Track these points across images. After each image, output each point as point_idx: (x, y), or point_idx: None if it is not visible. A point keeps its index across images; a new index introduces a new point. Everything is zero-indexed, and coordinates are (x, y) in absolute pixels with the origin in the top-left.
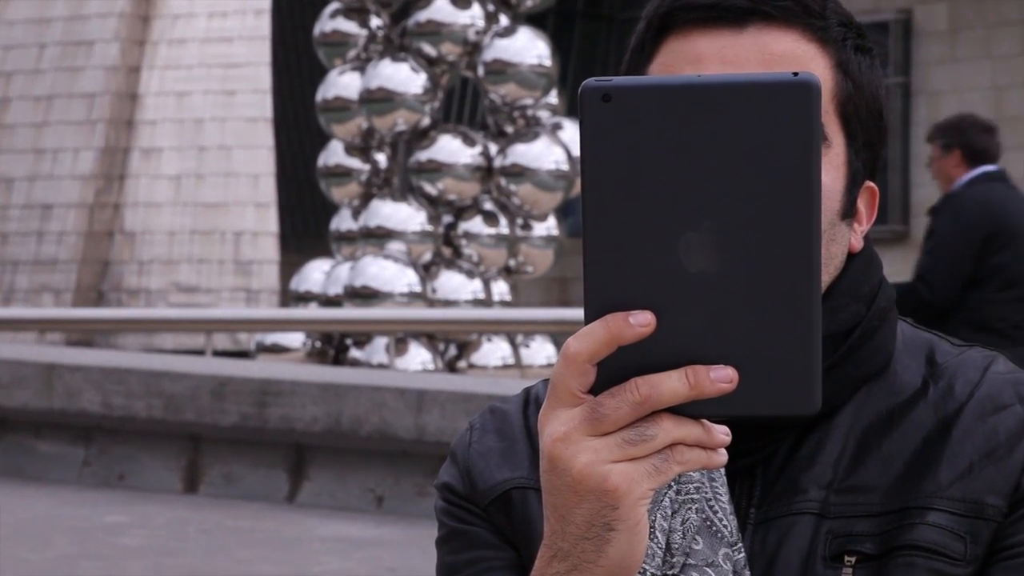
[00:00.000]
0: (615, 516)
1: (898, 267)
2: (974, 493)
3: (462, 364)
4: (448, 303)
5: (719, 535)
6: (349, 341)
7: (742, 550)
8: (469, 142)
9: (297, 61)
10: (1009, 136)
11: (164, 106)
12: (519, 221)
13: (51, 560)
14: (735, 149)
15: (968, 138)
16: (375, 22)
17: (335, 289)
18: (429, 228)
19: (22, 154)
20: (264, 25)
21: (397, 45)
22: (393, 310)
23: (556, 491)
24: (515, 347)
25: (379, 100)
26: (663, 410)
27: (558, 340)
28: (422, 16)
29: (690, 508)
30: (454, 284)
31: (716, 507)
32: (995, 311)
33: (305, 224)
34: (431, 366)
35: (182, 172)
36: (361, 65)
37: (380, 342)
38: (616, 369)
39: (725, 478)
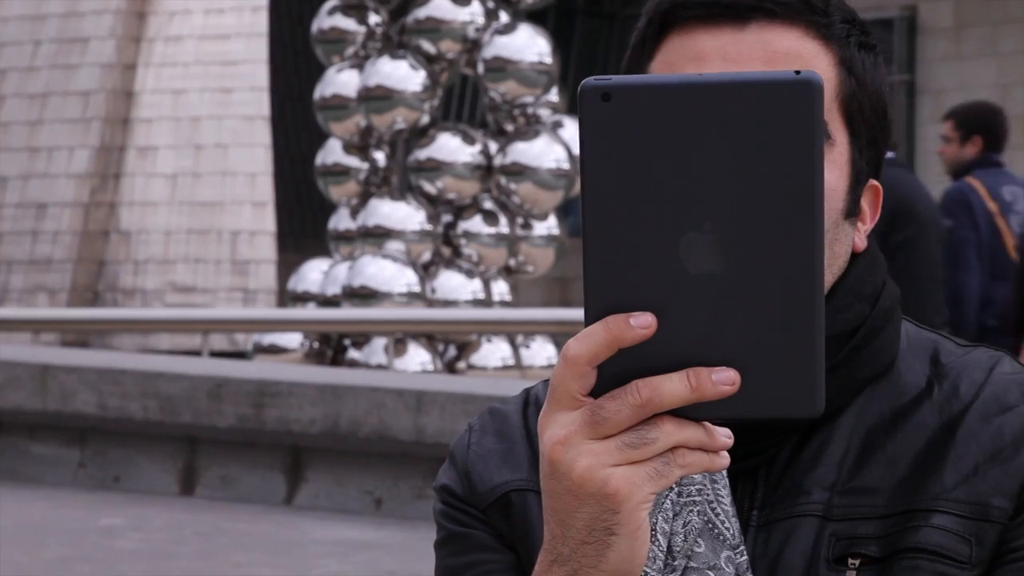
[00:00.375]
0: (616, 520)
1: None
2: (979, 495)
3: (462, 365)
4: (448, 303)
5: (721, 537)
6: (347, 342)
7: (744, 552)
8: (469, 140)
9: (295, 58)
10: (1015, 134)
11: (160, 104)
12: (519, 220)
13: (46, 563)
14: (736, 149)
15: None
16: (374, 19)
17: (333, 289)
18: (428, 227)
19: (16, 152)
20: (261, 22)
21: (396, 42)
22: (392, 310)
23: (556, 495)
24: (515, 348)
25: (378, 98)
26: (664, 413)
27: (559, 341)
28: (421, 13)
29: (692, 510)
30: (454, 284)
31: (718, 509)
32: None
33: (303, 223)
34: (430, 367)
35: (178, 171)
36: (359, 62)
37: (379, 343)
38: (617, 371)
39: (727, 480)
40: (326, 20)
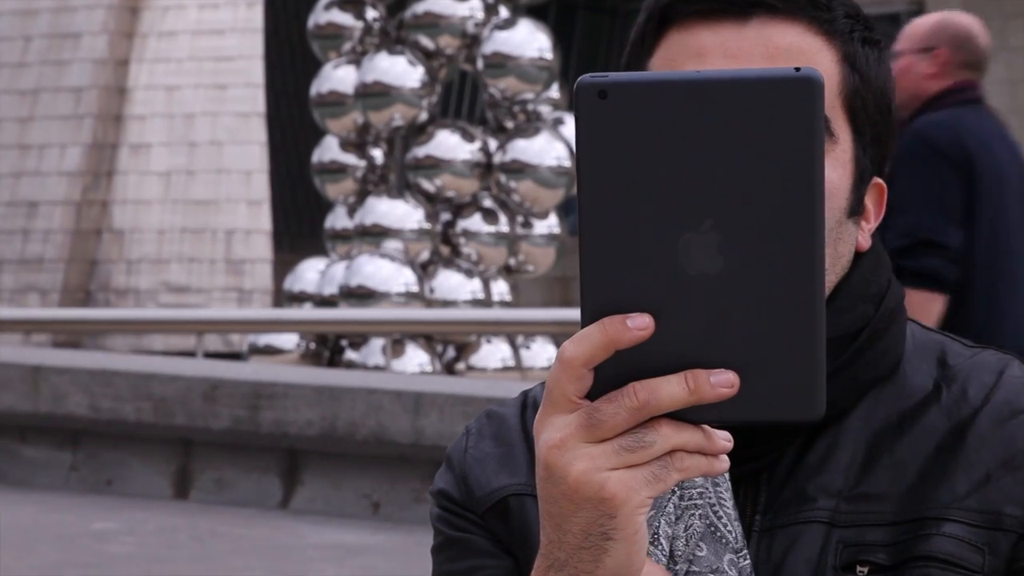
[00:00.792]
0: (613, 525)
1: None
2: (992, 503)
3: (461, 366)
4: (446, 303)
5: (723, 541)
6: (344, 342)
7: (747, 556)
8: (468, 137)
9: (291, 54)
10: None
11: (153, 100)
12: (519, 219)
13: (37, 568)
14: (735, 147)
15: None
16: (371, 14)
17: (330, 289)
18: (427, 226)
19: (7, 150)
20: (257, 17)
21: (394, 38)
22: (390, 310)
23: (552, 499)
24: (515, 349)
25: (375, 94)
26: (662, 416)
27: (559, 341)
28: (419, 8)
29: (693, 514)
30: (452, 284)
31: (720, 512)
32: None
33: (299, 222)
34: (429, 368)
35: (172, 168)
36: (357, 58)
37: (376, 343)
38: (613, 374)
39: (729, 483)
40: (323, 15)
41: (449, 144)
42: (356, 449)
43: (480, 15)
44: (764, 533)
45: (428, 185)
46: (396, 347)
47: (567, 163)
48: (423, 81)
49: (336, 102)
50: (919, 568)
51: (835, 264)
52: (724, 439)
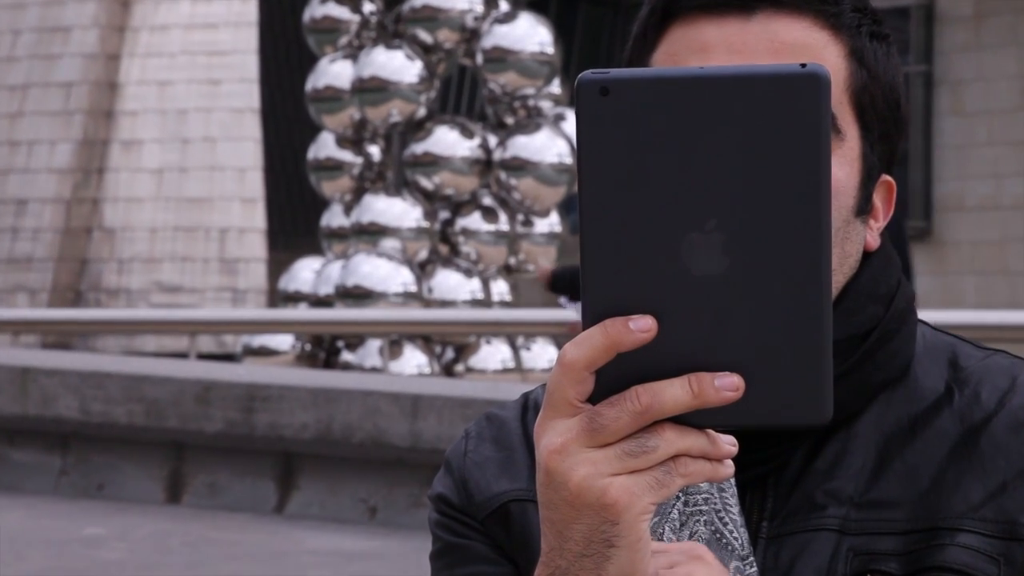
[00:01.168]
0: (615, 532)
1: (921, 266)
2: (1008, 513)
3: (460, 368)
4: (445, 303)
5: (729, 548)
6: (341, 344)
7: (754, 564)
8: (467, 134)
9: (286, 48)
10: None
11: (145, 96)
12: (520, 217)
13: (26, 575)
14: (740, 145)
15: None
16: (368, 7)
17: (326, 289)
18: (425, 224)
19: None
20: (251, 11)
21: (391, 32)
22: (387, 311)
23: (553, 505)
24: (516, 350)
25: (372, 90)
26: (665, 420)
27: (560, 343)
28: (417, 1)
29: (698, 520)
30: (451, 283)
31: (726, 519)
32: None
33: (294, 220)
34: (427, 370)
35: (164, 165)
36: (353, 53)
37: (373, 345)
38: (616, 377)
39: (735, 489)
40: (318, 8)
41: (448, 141)
42: (353, 453)
43: (479, 8)
44: (771, 540)
45: (426, 182)
46: (393, 348)
47: (568, 160)
48: (421, 76)
49: (332, 97)
50: None
51: (843, 264)
52: (729, 444)
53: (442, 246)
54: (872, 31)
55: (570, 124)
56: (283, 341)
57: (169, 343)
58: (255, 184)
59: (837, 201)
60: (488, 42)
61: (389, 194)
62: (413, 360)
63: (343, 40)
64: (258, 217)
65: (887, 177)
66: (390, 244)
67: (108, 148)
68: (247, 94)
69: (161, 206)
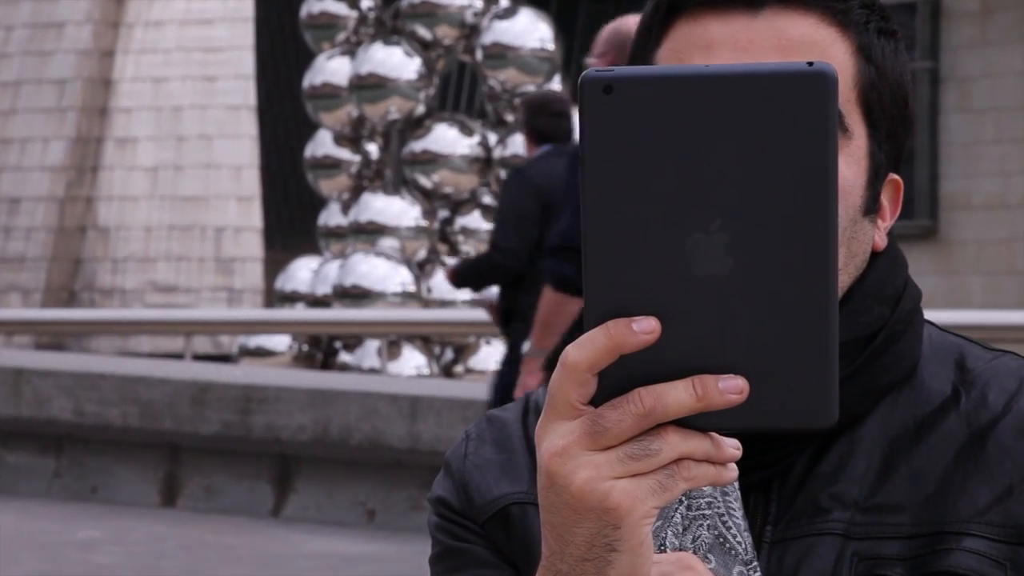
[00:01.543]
0: (617, 536)
1: (926, 265)
2: (1015, 517)
3: (459, 369)
4: (444, 304)
5: (733, 552)
6: (338, 344)
7: (758, 568)
8: (466, 131)
9: (282, 45)
10: None
11: (140, 93)
12: None
13: None
14: (746, 144)
15: (534, 121)
16: (366, 3)
17: (323, 289)
18: (424, 223)
19: None
20: (247, 6)
21: (390, 28)
22: (385, 311)
23: (554, 509)
24: None
25: (370, 87)
26: (668, 423)
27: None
28: None
29: (701, 525)
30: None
31: (729, 523)
32: None
33: (291, 219)
34: (426, 371)
35: (159, 163)
36: (351, 49)
37: (371, 345)
38: (618, 379)
39: (739, 492)
40: (316, 4)
41: (447, 138)
42: (350, 455)
43: (479, 4)
44: (775, 545)
45: (425, 181)
46: (392, 349)
47: None
48: (420, 73)
49: (330, 95)
50: None
51: (849, 264)
52: (733, 447)
53: (441, 245)
54: (880, 27)
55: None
56: (280, 342)
57: (164, 344)
58: (251, 182)
59: (844, 200)
60: (488, 38)
61: (387, 193)
62: (412, 361)
63: (341, 36)
64: (254, 216)
65: (894, 176)
66: (388, 243)
67: (102, 146)
68: (243, 91)
69: (156, 205)
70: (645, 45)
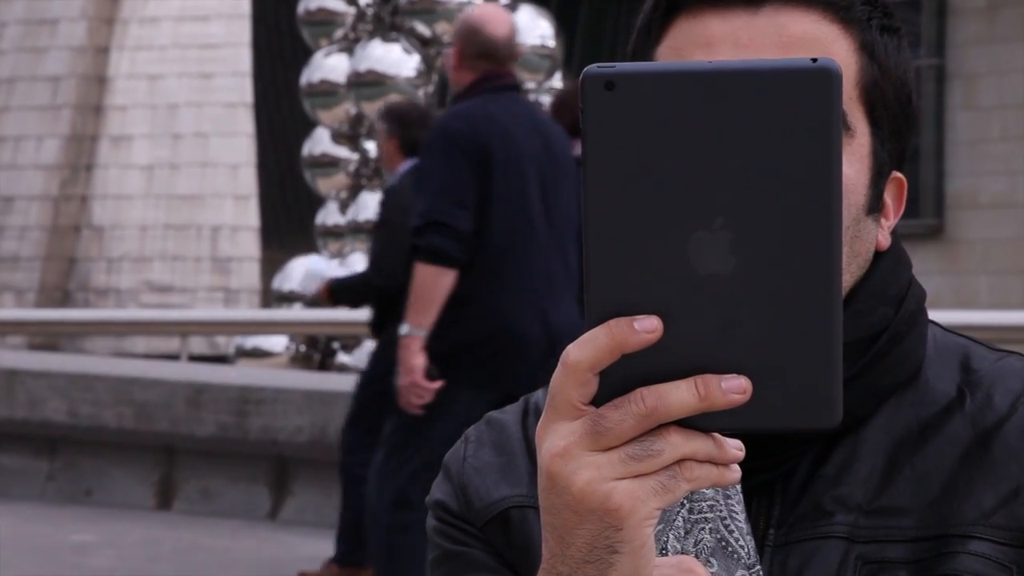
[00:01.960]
0: (619, 538)
1: (932, 265)
2: (1021, 520)
3: None
4: None
5: (735, 556)
6: (336, 345)
7: (760, 573)
8: None
9: (279, 41)
10: None
11: (135, 90)
12: None
13: None
14: (749, 142)
15: (404, 131)
16: None
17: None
18: None
19: None
20: (243, 3)
21: (388, 24)
22: None
23: (555, 511)
24: None
25: (368, 84)
26: (671, 423)
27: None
28: None
29: (703, 528)
30: None
31: (732, 526)
32: None
33: (288, 218)
34: None
35: (155, 162)
36: (349, 46)
37: (370, 346)
38: (620, 379)
39: (741, 495)
40: (313, 1)
41: None
42: None
43: (478, 0)
44: (778, 548)
45: None
46: None
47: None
48: (419, 70)
49: (327, 92)
50: None
51: (852, 263)
52: (736, 448)
53: None
54: (883, 24)
55: None
56: (277, 342)
57: (160, 344)
58: (248, 181)
59: (847, 199)
60: None
61: None
62: None
63: (338, 33)
64: (251, 215)
65: (898, 174)
66: None
67: (97, 144)
68: (240, 88)
69: (151, 203)
70: (645, 43)
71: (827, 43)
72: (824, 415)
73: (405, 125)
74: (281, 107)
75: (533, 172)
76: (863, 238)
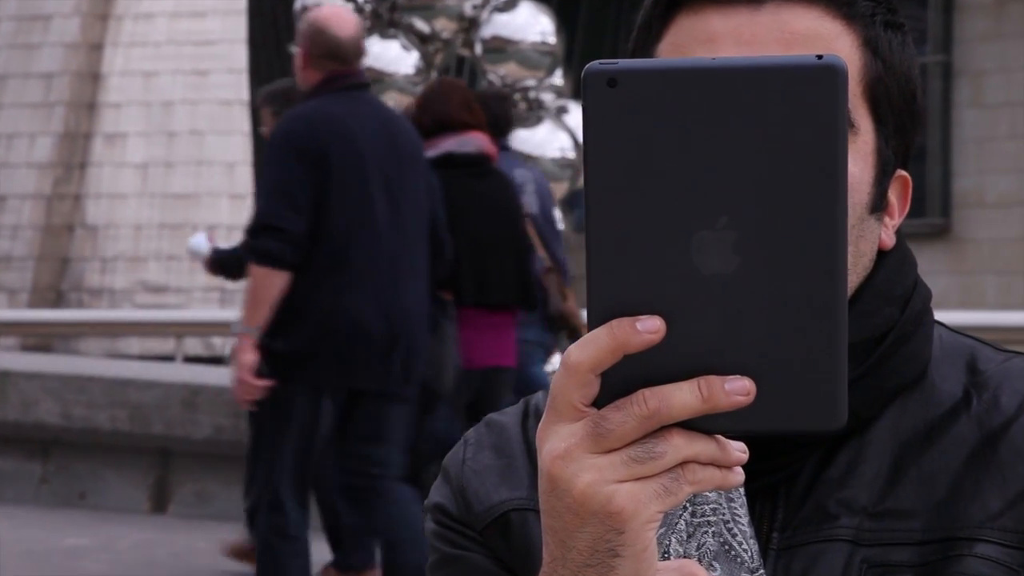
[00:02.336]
0: (620, 541)
1: (939, 265)
2: None
3: None
4: None
5: (738, 560)
6: None
7: None
8: None
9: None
10: None
11: (129, 87)
12: None
13: None
14: (753, 140)
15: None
16: None
17: None
18: None
19: None
20: None
21: (386, 20)
22: None
23: (556, 513)
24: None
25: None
26: (673, 425)
27: (563, 345)
28: None
29: (706, 531)
30: None
31: (735, 530)
32: None
33: None
34: None
35: (149, 160)
36: None
37: None
38: (622, 380)
39: (745, 498)
40: None
41: None
42: None
43: None
44: (782, 552)
45: None
46: None
47: (571, 154)
48: (418, 67)
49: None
50: None
51: (856, 263)
52: (739, 450)
53: None
54: (887, 20)
55: (573, 117)
56: None
57: (155, 345)
58: (244, 179)
59: (851, 198)
60: (487, 31)
61: None
62: None
63: None
64: (247, 214)
65: (902, 172)
66: None
67: (90, 142)
68: (235, 85)
69: (146, 202)
70: (645, 39)
71: (830, 39)
72: (829, 417)
73: (290, 104)
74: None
75: (376, 170)
76: (867, 237)
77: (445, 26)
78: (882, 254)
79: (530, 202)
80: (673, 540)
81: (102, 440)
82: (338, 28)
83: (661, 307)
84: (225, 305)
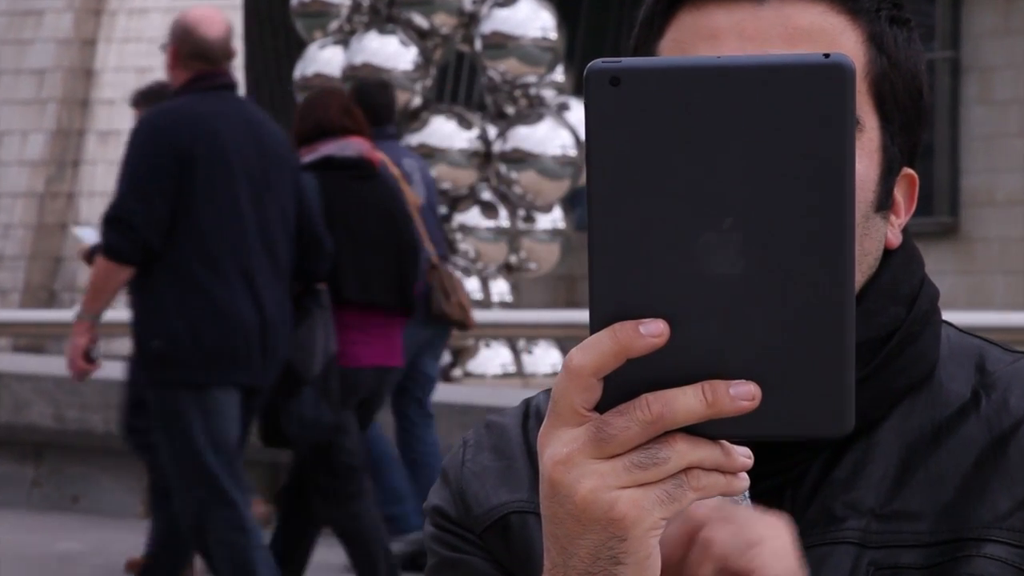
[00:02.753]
0: (623, 548)
1: (947, 264)
2: None
3: (457, 372)
4: None
5: None
6: None
7: None
8: (465, 124)
9: (272, 34)
10: None
11: (123, 84)
12: (521, 213)
13: None
14: (759, 140)
15: None
16: None
17: None
18: None
19: None
20: None
21: (384, 16)
22: None
23: (557, 520)
24: (517, 353)
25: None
26: (677, 430)
27: (564, 346)
28: None
29: None
30: None
31: None
32: None
33: None
34: None
35: None
36: (344, 38)
37: None
38: (625, 384)
39: (750, 501)
40: None
41: (445, 131)
42: None
43: None
44: None
45: None
46: None
47: (572, 152)
48: (417, 63)
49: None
50: None
51: (861, 263)
52: (744, 456)
53: None
54: (892, 16)
55: (574, 114)
56: None
57: None
58: None
59: (856, 196)
60: (487, 27)
61: None
62: None
63: (333, 25)
64: None
65: (909, 170)
66: None
67: (83, 139)
68: None
69: None
70: (647, 35)
71: (834, 35)
72: (835, 423)
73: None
74: (274, 102)
75: (241, 169)
76: (872, 236)
77: (444, 21)
78: (888, 253)
79: (418, 191)
80: None
81: (95, 443)
82: (207, 29)
83: (665, 310)
84: None
